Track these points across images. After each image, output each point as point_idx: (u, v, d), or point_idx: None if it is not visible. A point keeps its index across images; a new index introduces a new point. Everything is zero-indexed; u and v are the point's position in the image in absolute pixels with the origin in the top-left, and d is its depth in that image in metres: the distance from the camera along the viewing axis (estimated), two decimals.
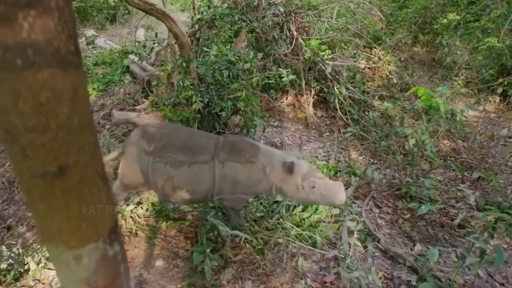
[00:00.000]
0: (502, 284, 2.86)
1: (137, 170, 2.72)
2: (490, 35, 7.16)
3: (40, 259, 2.75)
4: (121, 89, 5.73)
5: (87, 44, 7.78)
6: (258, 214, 3.17)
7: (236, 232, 2.73)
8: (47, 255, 2.82)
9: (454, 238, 3.39)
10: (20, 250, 2.76)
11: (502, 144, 5.29)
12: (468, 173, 4.36)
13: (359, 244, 3.01)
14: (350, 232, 3.22)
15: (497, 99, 6.32)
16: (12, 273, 2.61)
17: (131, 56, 6.77)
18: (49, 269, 2.75)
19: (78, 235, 0.75)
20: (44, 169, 0.65)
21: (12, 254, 2.65)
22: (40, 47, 0.56)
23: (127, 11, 11.49)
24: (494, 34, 7.09)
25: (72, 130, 0.66)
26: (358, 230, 3.12)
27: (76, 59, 0.64)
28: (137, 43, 6.17)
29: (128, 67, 6.51)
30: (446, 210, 3.72)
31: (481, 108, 6.13)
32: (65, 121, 0.64)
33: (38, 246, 2.90)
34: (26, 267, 2.68)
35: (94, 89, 5.95)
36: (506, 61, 6.62)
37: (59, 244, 0.74)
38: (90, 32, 8.77)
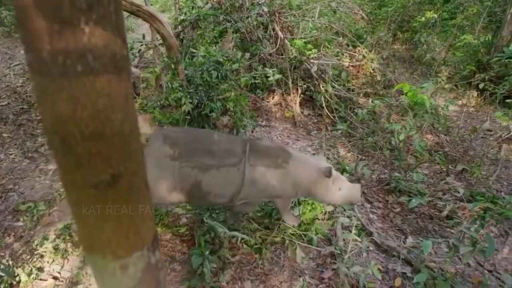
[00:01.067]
0: (491, 271, 2.98)
1: None
2: (465, 32, 7.44)
3: (31, 270, 2.65)
4: None
5: None
6: (258, 214, 3.18)
7: (235, 233, 2.72)
8: (39, 266, 2.73)
9: (443, 229, 3.50)
10: (10, 262, 2.65)
11: (482, 137, 5.51)
12: (452, 166, 4.50)
13: (358, 239, 3.07)
14: (345, 228, 3.27)
15: (475, 94, 6.57)
16: (2, 286, 2.51)
17: None
18: (41, 279, 2.66)
19: (126, 244, 0.73)
20: (98, 178, 0.64)
21: (2, 266, 2.55)
22: (99, 52, 0.55)
23: None
24: (469, 31, 7.37)
25: (124, 137, 0.65)
26: (355, 226, 3.19)
27: (127, 64, 0.62)
28: None
29: None
30: (434, 203, 3.84)
31: (460, 103, 6.37)
32: (119, 128, 0.62)
33: (28, 257, 2.79)
34: (17, 279, 2.58)
35: None
36: (482, 57, 6.89)
37: (106, 254, 0.72)
38: None
